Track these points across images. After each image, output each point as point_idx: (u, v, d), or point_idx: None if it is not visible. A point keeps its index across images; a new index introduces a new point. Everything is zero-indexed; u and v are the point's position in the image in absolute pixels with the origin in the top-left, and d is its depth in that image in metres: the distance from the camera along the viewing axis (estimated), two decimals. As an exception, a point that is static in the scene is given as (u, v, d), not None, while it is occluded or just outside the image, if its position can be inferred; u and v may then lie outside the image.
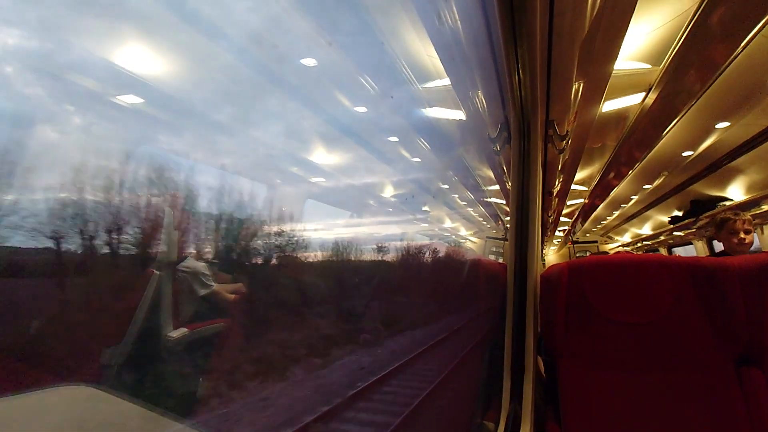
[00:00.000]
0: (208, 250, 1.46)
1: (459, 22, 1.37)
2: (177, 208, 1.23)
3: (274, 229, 1.51)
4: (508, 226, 1.98)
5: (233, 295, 1.52)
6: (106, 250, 0.93)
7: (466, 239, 4.62)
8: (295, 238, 1.56)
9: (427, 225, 3.24)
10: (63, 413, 0.59)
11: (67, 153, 0.85)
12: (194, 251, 1.42)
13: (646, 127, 3.11)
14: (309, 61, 1.56)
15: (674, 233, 6.98)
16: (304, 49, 1.47)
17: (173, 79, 1.18)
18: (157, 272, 1.24)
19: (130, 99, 1.01)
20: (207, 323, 1.45)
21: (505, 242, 3.13)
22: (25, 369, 0.72)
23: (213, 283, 1.51)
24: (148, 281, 1.21)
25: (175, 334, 1.35)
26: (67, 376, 0.77)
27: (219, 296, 1.52)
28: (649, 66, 2.35)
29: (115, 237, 0.93)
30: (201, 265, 1.49)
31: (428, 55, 1.79)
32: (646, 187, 5.19)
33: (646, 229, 8.53)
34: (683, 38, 2.01)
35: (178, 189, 1.18)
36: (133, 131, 1.08)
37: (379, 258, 2.08)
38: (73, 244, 0.82)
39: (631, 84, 2.50)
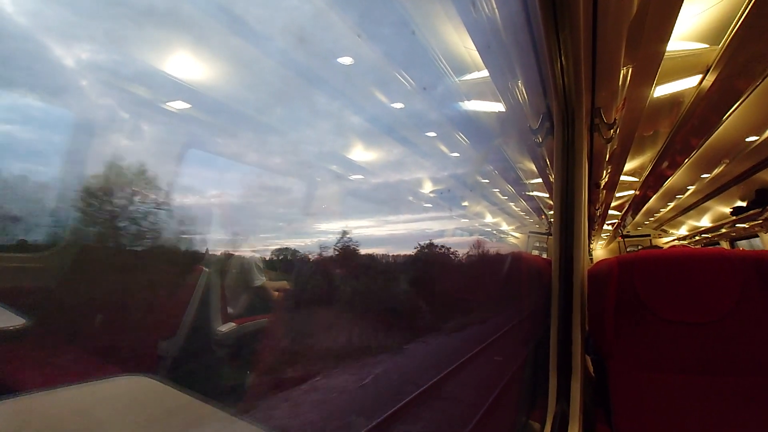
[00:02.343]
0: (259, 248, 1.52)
1: (496, 10, 1.33)
2: (226, 206, 1.28)
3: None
4: (552, 220, 1.91)
5: (277, 292, 1.57)
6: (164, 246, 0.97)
7: (508, 234, 4.52)
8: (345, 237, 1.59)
9: (466, 220, 3.19)
10: (123, 402, 0.63)
11: (138, 157, 0.91)
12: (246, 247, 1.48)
13: (703, 111, 2.90)
14: (345, 60, 1.57)
15: (737, 225, 6.49)
16: (341, 47, 1.48)
17: (225, 84, 1.23)
18: (207, 269, 1.30)
19: (183, 106, 1.06)
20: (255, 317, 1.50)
21: (549, 237, 3.03)
22: (92, 361, 0.77)
23: (263, 277, 1.56)
24: (198, 277, 1.27)
25: (224, 327, 1.41)
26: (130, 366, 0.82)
27: (266, 291, 1.57)
28: (707, 45, 2.18)
29: (172, 234, 0.98)
30: (257, 258, 1.55)
31: (465, 46, 1.76)
32: (704, 176, 4.86)
33: (705, 222, 7.99)
34: (746, 13, 1.85)
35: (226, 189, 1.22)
36: (191, 136, 1.13)
37: (423, 256, 2.08)
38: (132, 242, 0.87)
39: (685, 66, 2.33)
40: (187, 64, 1.04)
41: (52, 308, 0.73)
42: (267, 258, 1.51)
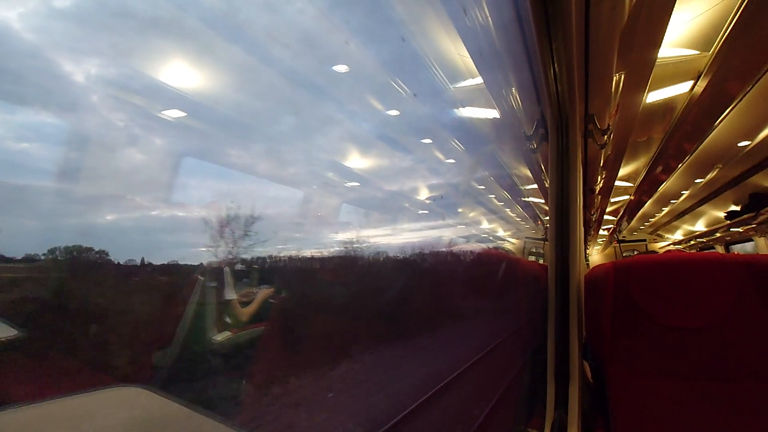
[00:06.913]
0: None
1: (489, 17, 1.34)
2: (222, 216, 1.26)
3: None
4: (548, 225, 1.92)
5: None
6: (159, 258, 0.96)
7: (505, 240, 4.52)
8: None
9: (463, 227, 3.19)
10: (118, 413, 0.62)
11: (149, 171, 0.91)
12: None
13: (696, 117, 2.93)
14: (341, 68, 1.57)
15: (732, 229, 6.53)
16: (341, 54, 1.48)
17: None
18: (202, 278, 1.28)
19: (186, 118, 1.05)
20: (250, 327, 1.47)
21: (545, 242, 3.04)
22: (84, 370, 0.76)
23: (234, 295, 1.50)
24: (194, 287, 1.25)
25: (220, 337, 1.39)
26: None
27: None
28: (698, 52, 2.21)
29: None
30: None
31: (459, 54, 1.77)
32: (698, 181, 4.90)
33: (700, 226, 8.04)
34: (735, 20, 1.88)
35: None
36: (198, 147, 1.13)
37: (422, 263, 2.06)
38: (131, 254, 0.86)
39: (677, 72, 2.36)
40: (191, 74, 1.04)
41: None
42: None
